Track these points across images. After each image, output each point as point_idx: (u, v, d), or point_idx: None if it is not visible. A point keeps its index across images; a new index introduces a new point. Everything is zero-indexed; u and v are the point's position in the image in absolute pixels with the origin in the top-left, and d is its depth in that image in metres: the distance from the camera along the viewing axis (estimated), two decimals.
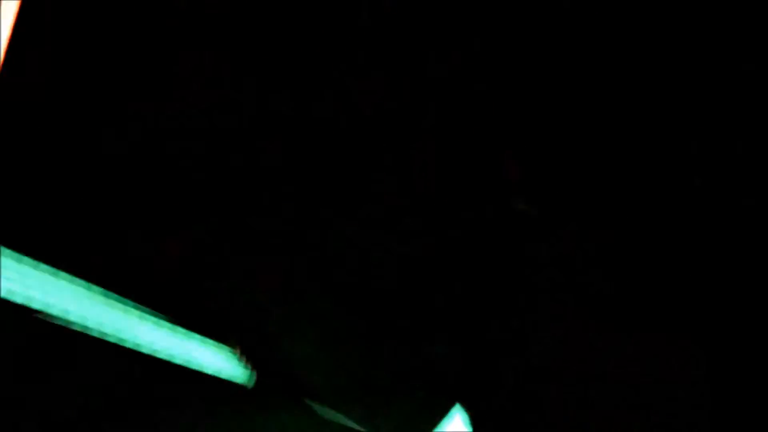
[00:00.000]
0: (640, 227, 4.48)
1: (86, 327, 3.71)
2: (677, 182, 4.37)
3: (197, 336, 4.01)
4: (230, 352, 4.08)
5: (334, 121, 4.22)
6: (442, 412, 4.23)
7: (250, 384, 4.02)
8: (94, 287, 3.79)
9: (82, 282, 3.75)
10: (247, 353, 4.13)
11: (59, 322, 3.64)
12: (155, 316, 3.91)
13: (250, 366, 4.06)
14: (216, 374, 3.97)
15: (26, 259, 3.63)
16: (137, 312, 3.88)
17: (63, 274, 3.72)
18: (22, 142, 3.88)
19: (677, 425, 4.56)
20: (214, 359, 4.02)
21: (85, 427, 3.74)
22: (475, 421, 4.23)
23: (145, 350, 3.83)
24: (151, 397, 3.89)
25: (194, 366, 3.94)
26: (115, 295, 3.83)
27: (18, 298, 3.54)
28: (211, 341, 4.03)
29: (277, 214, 4.33)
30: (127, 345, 3.77)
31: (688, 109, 4.30)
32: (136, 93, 3.96)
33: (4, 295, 3.51)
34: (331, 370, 4.33)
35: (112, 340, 3.74)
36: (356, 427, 4.11)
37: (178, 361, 3.91)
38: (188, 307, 4.14)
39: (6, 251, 3.56)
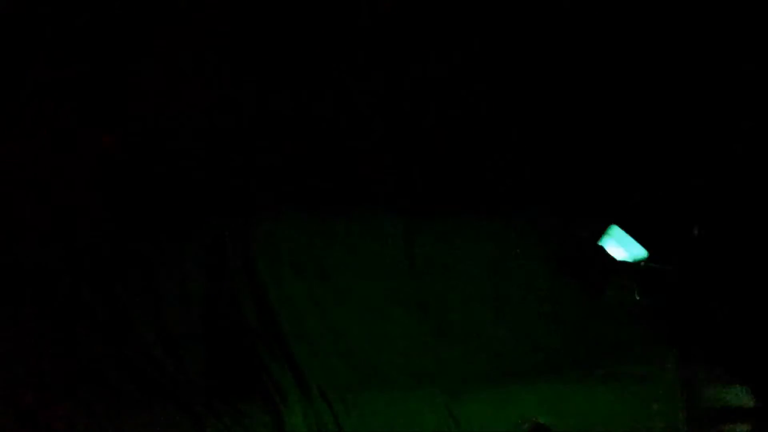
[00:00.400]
0: (639, 227, 4.48)
1: None
2: (677, 182, 4.36)
3: None
4: None
5: (334, 121, 4.21)
6: None
7: None
8: None
9: None
10: None
11: None
12: None
13: None
14: None
15: None
16: None
17: None
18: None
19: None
20: None
21: None
22: None
23: None
24: None
25: None
26: None
27: None
28: None
29: (278, 214, 4.33)
30: None
31: (687, 109, 4.30)
32: (135, 93, 3.96)
33: None
34: (339, 368, 4.33)
35: None
36: None
37: None
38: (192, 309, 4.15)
39: None
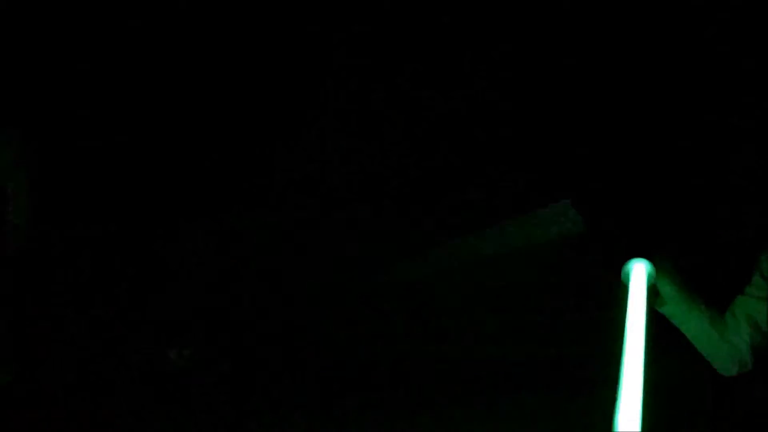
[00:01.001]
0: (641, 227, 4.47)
1: None
2: (677, 182, 4.36)
3: None
4: None
5: (334, 121, 4.23)
6: None
7: None
8: None
9: None
10: None
11: None
12: None
13: None
14: None
15: None
16: None
17: None
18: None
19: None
20: None
21: None
22: None
23: None
24: None
25: None
26: None
27: None
28: None
29: (279, 215, 4.34)
30: None
31: (687, 109, 4.30)
32: (135, 92, 3.98)
33: None
34: (339, 372, 4.33)
35: None
36: None
37: None
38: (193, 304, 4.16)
39: None
